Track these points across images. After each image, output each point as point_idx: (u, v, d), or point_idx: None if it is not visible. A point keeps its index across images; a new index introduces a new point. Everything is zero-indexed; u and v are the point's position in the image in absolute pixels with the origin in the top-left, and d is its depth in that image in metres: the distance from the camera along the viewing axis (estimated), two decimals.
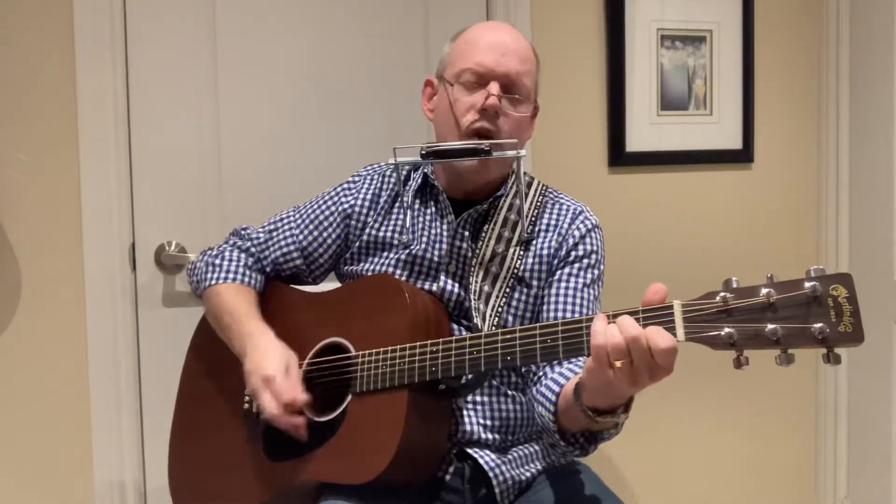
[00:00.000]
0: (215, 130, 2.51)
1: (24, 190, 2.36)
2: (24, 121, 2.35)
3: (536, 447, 1.83)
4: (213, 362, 1.98)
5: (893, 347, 2.83)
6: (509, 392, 1.79)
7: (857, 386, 3.05)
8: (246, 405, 1.83)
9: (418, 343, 1.64)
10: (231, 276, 1.93)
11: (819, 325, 1.20)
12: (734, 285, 1.28)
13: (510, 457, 1.77)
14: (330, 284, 1.96)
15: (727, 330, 1.26)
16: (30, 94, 2.35)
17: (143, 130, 2.46)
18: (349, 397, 1.70)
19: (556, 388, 1.60)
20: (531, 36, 2.71)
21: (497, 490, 1.73)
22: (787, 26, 3.01)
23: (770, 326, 1.22)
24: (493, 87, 1.75)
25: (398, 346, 1.65)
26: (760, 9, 2.95)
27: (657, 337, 1.27)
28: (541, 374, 1.71)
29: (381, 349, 1.67)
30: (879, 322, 2.84)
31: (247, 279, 1.94)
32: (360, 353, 1.71)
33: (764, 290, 1.24)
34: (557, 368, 1.67)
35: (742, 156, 2.98)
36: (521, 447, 1.81)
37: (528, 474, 1.79)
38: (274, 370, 1.68)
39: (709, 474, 3.05)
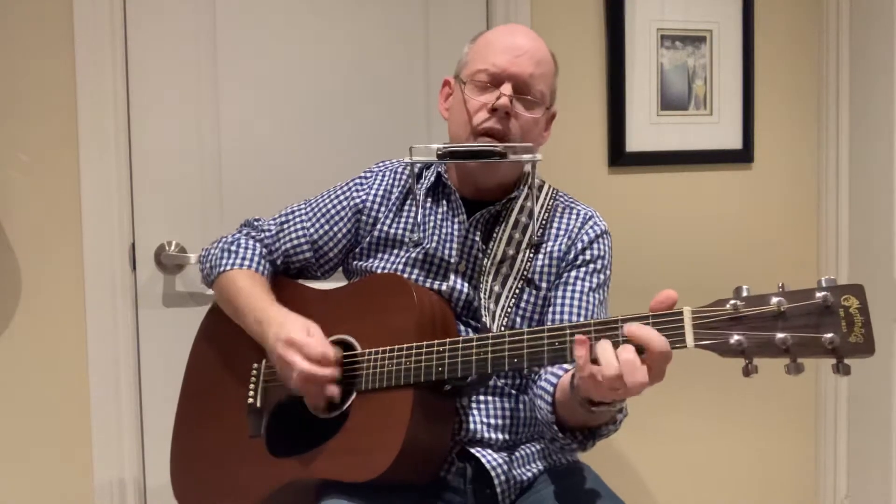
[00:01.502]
0: (215, 130, 2.51)
1: (24, 190, 2.35)
2: (24, 121, 2.35)
3: (538, 447, 1.83)
4: (217, 357, 1.98)
5: (893, 347, 2.83)
6: (513, 392, 1.80)
7: (858, 386, 3.05)
8: (250, 400, 1.83)
9: (425, 343, 1.64)
10: (247, 262, 1.93)
11: (830, 335, 1.20)
12: (745, 293, 1.28)
13: (512, 456, 1.78)
14: (337, 282, 1.96)
15: (737, 337, 1.26)
16: (30, 94, 2.34)
17: (143, 130, 2.45)
18: (354, 395, 1.70)
19: (555, 381, 1.61)
20: None
21: (498, 489, 1.74)
22: (787, 26, 3.01)
23: (780, 335, 1.23)
24: (506, 88, 1.76)
25: (404, 346, 1.66)
26: (760, 9, 2.95)
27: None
28: (541, 370, 1.72)
29: (388, 348, 1.68)
30: (880, 322, 2.78)
31: (261, 268, 1.94)
32: (367, 351, 1.71)
33: (775, 299, 1.24)
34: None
35: (742, 156, 2.98)
36: (523, 447, 1.81)
37: (529, 474, 1.80)
38: (296, 333, 1.68)
39: (709, 474, 3.05)
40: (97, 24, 2.37)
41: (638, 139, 2.85)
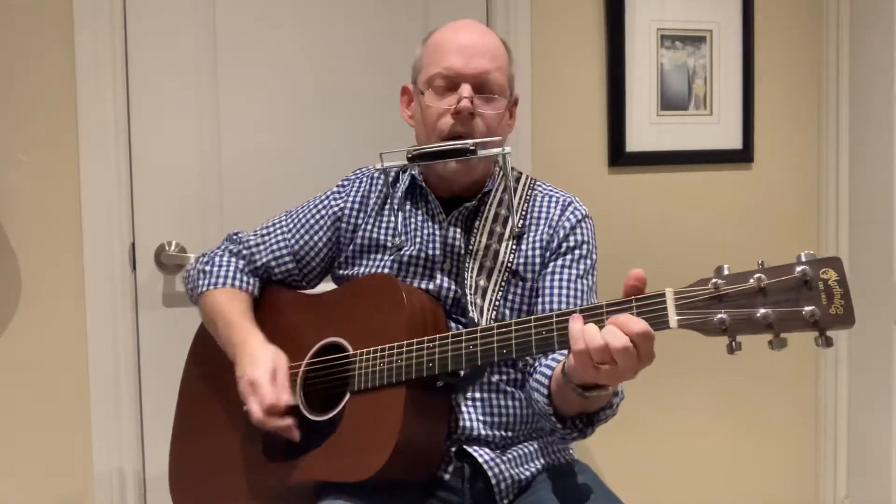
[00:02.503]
0: (215, 130, 2.52)
1: (24, 190, 2.37)
2: (24, 121, 2.36)
3: (535, 445, 1.83)
4: (212, 365, 1.98)
5: (893, 347, 2.82)
6: (509, 389, 1.79)
7: (857, 386, 3.04)
8: (246, 407, 1.84)
9: (415, 340, 1.64)
10: (222, 280, 1.95)
11: (810, 308, 1.20)
12: (725, 272, 1.29)
13: (509, 455, 1.77)
14: (328, 286, 1.97)
15: (719, 316, 1.26)
16: (30, 94, 2.36)
17: (143, 130, 2.46)
18: (347, 396, 1.70)
19: (549, 373, 1.61)
20: (531, 36, 2.72)
21: (496, 489, 1.73)
22: (787, 26, 3.02)
23: (762, 311, 1.23)
24: (465, 90, 1.76)
25: (395, 344, 1.66)
26: (760, 9, 2.95)
27: (642, 343, 1.31)
28: (536, 364, 1.71)
29: (378, 347, 1.68)
30: (879, 322, 2.83)
31: (237, 283, 1.95)
32: (358, 351, 1.72)
33: (755, 276, 1.25)
34: (551, 355, 1.67)
35: (742, 156, 2.98)
36: (520, 446, 1.81)
37: (527, 473, 1.79)
38: (259, 374, 1.70)
39: (709, 474, 3.04)
40: (97, 24, 2.38)
41: (638, 139, 2.85)
